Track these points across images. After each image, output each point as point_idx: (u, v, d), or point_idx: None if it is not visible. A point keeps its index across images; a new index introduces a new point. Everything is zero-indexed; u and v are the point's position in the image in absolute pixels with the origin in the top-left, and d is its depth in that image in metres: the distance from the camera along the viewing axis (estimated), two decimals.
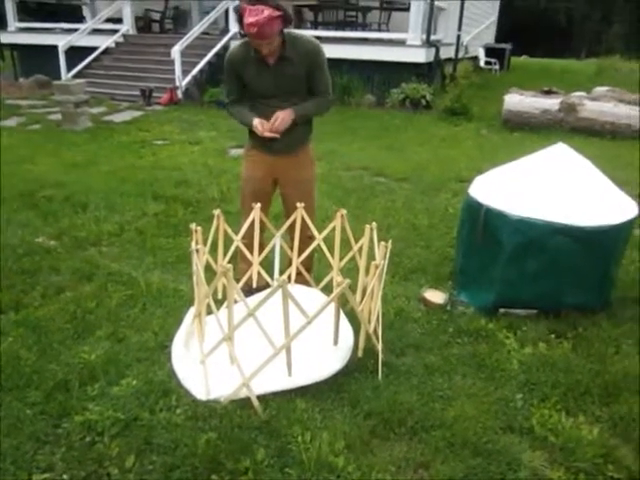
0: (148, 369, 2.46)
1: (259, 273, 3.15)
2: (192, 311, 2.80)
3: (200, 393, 2.27)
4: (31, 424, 2.12)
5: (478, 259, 3.09)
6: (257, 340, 2.24)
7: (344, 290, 2.09)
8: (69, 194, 4.94)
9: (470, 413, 2.24)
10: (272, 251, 3.12)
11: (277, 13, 2.46)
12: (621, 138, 7.81)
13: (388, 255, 2.54)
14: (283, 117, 2.73)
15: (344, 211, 3.01)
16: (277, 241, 3.08)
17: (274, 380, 2.25)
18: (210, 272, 2.99)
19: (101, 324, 2.83)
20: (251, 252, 3.06)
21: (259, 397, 2.22)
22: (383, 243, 2.49)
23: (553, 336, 2.83)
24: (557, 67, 18.99)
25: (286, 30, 2.63)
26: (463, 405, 2.29)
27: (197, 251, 2.43)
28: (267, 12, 2.42)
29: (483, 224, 2.99)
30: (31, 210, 4.55)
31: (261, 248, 3.11)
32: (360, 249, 2.80)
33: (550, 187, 2.90)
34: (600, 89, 10.04)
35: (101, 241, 3.96)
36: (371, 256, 2.71)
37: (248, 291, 3.06)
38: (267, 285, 3.04)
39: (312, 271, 3.27)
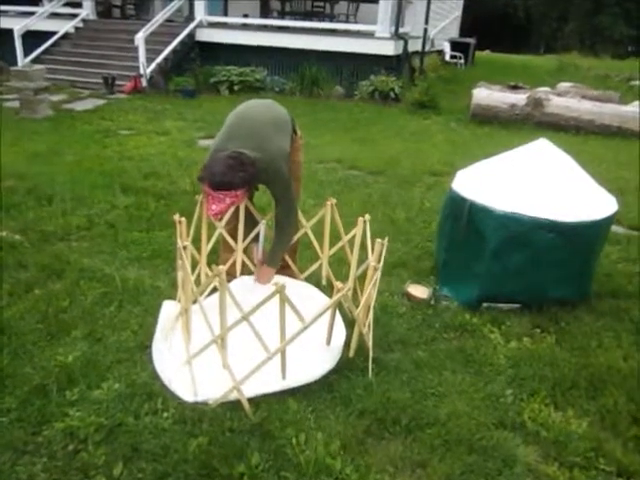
0: (130, 370, 2.36)
1: (243, 261, 3.06)
2: (167, 305, 2.71)
3: (187, 395, 2.18)
4: (7, 432, 1.99)
5: (462, 254, 3.09)
6: (247, 339, 2.16)
7: (343, 298, 2.03)
8: (32, 186, 4.71)
9: (462, 410, 2.23)
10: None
11: (240, 191, 2.38)
12: (584, 133, 7.99)
13: (384, 253, 2.49)
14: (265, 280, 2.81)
15: (334, 200, 2.95)
16: (261, 227, 3.00)
17: (265, 382, 2.18)
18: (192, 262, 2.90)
19: (76, 324, 2.69)
20: (236, 238, 2.97)
21: (249, 399, 2.15)
22: (380, 241, 2.43)
23: (537, 330, 2.85)
24: (519, 62, 19.38)
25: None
26: (455, 402, 2.28)
27: (184, 248, 2.33)
28: (229, 200, 2.36)
29: (467, 219, 2.98)
30: None
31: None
32: (350, 241, 2.75)
33: (533, 182, 2.91)
34: (564, 85, 10.27)
35: (70, 235, 3.79)
36: (362, 254, 2.67)
37: (230, 280, 2.98)
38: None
39: (296, 260, 3.21)
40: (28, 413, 2.09)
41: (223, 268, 2.02)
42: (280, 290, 1.93)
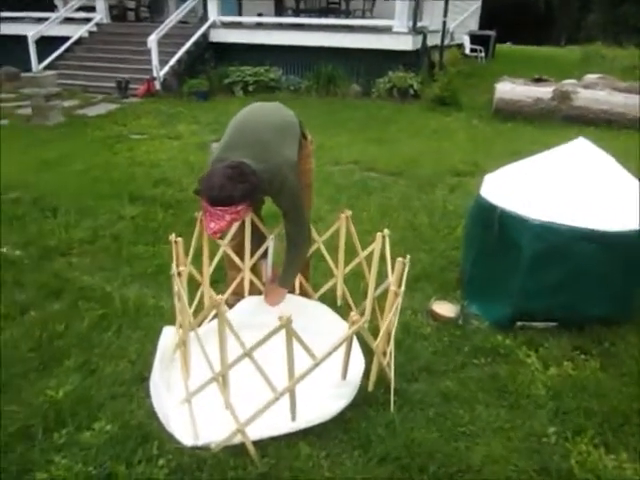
0: (124, 408, 2.12)
1: (251, 280, 2.81)
2: (167, 332, 2.46)
3: (186, 438, 1.94)
4: None
5: (492, 267, 2.80)
6: (251, 374, 1.90)
7: (360, 329, 1.77)
8: (38, 196, 4.54)
9: (499, 453, 1.95)
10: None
11: (240, 207, 2.13)
12: (617, 127, 7.57)
13: (408, 274, 2.21)
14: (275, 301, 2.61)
15: (349, 212, 2.69)
16: (270, 243, 2.75)
17: (273, 424, 1.93)
18: (194, 283, 2.67)
19: (70, 352, 2.47)
20: (242, 254, 2.72)
21: (255, 442, 1.90)
22: (400, 259, 2.15)
23: (578, 353, 2.55)
24: (541, 54, 18.83)
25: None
26: (490, 443, 2.00)
27: (179, 274, 2.08)
28: (229, 216, 2.11)
29: (497, 229, 2.69)
30: None
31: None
32: (367, 256, 2.49)
33: (572, 187, 2.62)
34: (591, 77, 9.80)
35: (72, 250, 3.59)
36: (381, 266, 2.41)
37: (237, 300, 2.75)
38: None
39: (309, 277, 2.96)
40: (9, 461, 1.87)
41: (222, 298, 1.77)
42: (286, 324, 1.67)
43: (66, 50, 11.11)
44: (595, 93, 8.01)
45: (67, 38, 11.16)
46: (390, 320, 2.07)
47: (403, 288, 2.09)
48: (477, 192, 2.93)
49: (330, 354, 1.77)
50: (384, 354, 2.16)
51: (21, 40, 10.86)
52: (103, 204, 4.41)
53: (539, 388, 2.31)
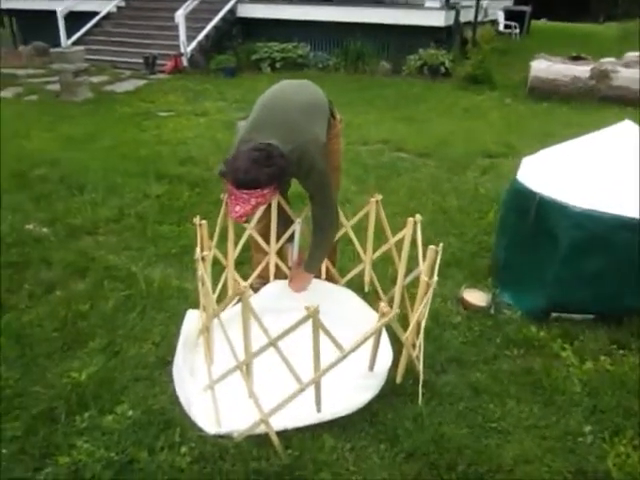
0: (147, 392, 2.10)
1: (276, 264, 2.75)
2: (191, 316, 2.42)
3: (209, 425, 1.90)
4: (7, 468, 1.77)
5: (527, 255, 2.68)
6: (276, 363, 1.85)
7: (391, 322, 1.69)
8: (65, 173, 4.54)
9: (532, 452, 1.87)
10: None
11: (266, 191, 2.04)
12: None
13: (439, 261, 2.11)
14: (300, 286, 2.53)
15: (379, 196, 2.59)
16: (297, 227, 2.67)
17: (297, 415, 1.88)
18: (219, 265, 2.63)
19: (94, 333, 2.46)
20: (268, 237, 2.66)
21: (279, 432, 1.85)
22: (433, 247, 2.06)
23: (616, 347, 2.44)
24: (578, 31, 18.12)
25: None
26: (522, 441, 1.92)
27: (203, 259, 2.03)
28: (254, 200, 2.03)
29: (535, 216, 2.57)
30: (23, 192, 4.16)
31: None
32: (398, 243, 2.40)
33: (616, 173, 2.47)
34: (632, 55, 9.37)
35: (98, 229, 3.58)
36: (411, 250, 2.32)
37: (263, 284, 2.69)
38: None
39: (336, 262, 2.88)
40: (32, 443, 1.86)
41: (245, 286, 1.71)
42: (313, 314, 1.60)
43: (94, 25, 11.12)
44: (636, 72, 7.66)
45: (95, 13, 11.15)
46: (420, 311, 1.99)
47: (436, 278, 2.00)
48: (513, 176, 2.80)
49: (357, 347, 1.70)
50: (413, 346, 2.08)
51: (50, 15, 10.87)
52: (129, 182, 4.38)
53: (574, 384, 2.21)
